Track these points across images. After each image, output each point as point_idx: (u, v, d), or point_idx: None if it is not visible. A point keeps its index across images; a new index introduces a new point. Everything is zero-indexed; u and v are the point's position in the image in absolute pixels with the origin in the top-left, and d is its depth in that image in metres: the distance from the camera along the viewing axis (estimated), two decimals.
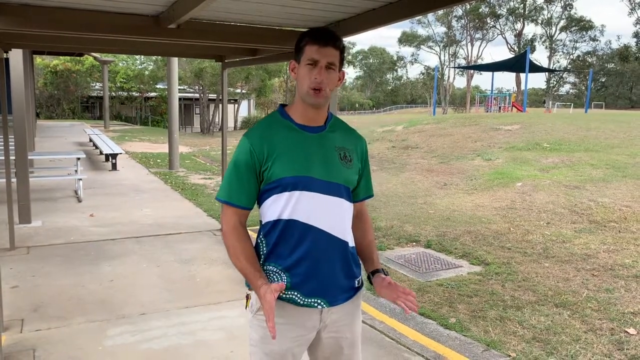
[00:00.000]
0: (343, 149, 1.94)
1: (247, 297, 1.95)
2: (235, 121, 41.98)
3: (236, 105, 41.32)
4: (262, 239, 1.91)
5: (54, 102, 40.02)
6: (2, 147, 6.22)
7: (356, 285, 1.99)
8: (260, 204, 1.92)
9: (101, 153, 14.34)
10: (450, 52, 68.87)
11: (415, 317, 4.64)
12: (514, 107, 35.10)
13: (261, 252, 1.90)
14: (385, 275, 1.96)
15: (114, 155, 12.84)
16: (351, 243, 1.98)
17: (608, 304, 4.85)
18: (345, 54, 1.92)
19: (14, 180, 6.92)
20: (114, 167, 12.81)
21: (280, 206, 1.84)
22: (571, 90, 70.41)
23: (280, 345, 1.88)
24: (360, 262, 2.04)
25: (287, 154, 1.83)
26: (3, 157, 6.24)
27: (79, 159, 9.56)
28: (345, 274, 1.94)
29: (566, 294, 5.10)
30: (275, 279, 1.86)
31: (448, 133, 15.49)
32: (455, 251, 6.48)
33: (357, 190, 2.05)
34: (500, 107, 36.73)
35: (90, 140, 17.54)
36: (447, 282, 5.45)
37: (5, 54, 6.16)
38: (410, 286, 5.35)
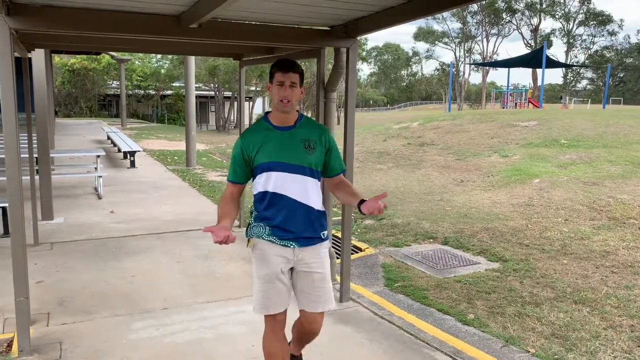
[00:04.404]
0: (308, 140, 2.70)
1: (249, 240, 2.76)
2: (250, 118, 42.10)
3: (251, 103, 41.46)
4: (253, 203, 2.78)
5: (72, 100, 40.44)
6: (26, 145, 6.34)
7: (321, 237, 2.77)
8: (252, 181, 2.75)
9: (119, 151, 14.51)
10: (465, 48, 68.39)
11: (434, 314, 4.66)
12: (530, 103, 34.81)
13: (252, 211, 2.77)
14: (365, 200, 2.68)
15: (133, 153, 12.99)
16: (316, 207, 2.72)
17: (628, 300, 4.84)
18: (304, 76, 2.67)
19: (36, 177, 7.05)
20: (133, 164, 12.96)
21: (262, 182, 2.68)
22: (589, 86, 69.57)
23: (271, 268, 2.67)
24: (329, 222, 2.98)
25: (264, 146, 2.65)
26: (27, 155, 6.35)
27: (98, 156, 9.69)
28: (309, 228, 2.70)
29: (585, 290, 5.09)
30: (260, 229, 2.71)
31: (464, 130, 15.42)
32: (473, 248, 6.49)
33: (330, 167, 2.80)
34: (516, 104, 36.45)
35: (109, 138, 17.73)
36: (465, 279, 5.47)
37: (28, 54, 6.29)
38: (427, 283, 5.38)
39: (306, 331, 2.90)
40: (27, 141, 6.33)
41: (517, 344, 4.07)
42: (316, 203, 2.72)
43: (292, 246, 2.67)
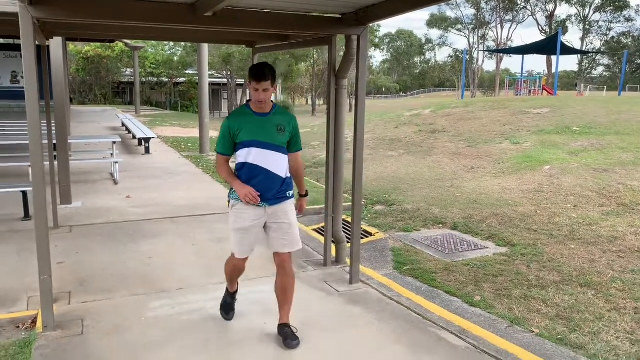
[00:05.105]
0: (280, 124, 3.49)
1: (228, 201, 3.58)
2: None
3: None
4: (235, 172, 3.53)
5: (86, 87, 40.77)
6: (45, 131, 6.51)
7: (287, 196, 3.57)
8: (235, 153, 3.49)
9: (134, 137, 14.71)
10: (479, 34, 67.70)
11: (441, 295, 4.79)
12: (544, 91, 34.53)
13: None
14: (305, 196, 3.82)
15: (147, 140, 13.18)
16: (283, 175, 3.52)
17: (633, 284, 4.92)
18: (275, 77, 3.42)
19: (54, 163, 7.23)
20: (147, 151, 13.16)
21: (243, 155, 3.45)
22: (605, 73, 68.62)
23: (244, 223, 3.52)
24: (293, 184, 3.69)
25: (246, 128, 3.42)
26: (46, 141, 6.52)
27: (114, 142, 9.88)
28: (279, 190, 3.51)
29: (591, 274, 5.18)
30: None
31: (476, 117, 15.42)
32: (482, 233, 6.58)
33: (290, 147, 3.59)
34: (530, 91, 36.18)
35: (123, 124, 17.97)
36: (473, 263, 5.58)
37: (47, 42, 6.44)
38: (436, 266, 5.49)
39: (281, 275, 3.68)
40: (46, 128, 6.51)
41: (522, 324, 4.18)
42: (284, 172, 3.53)
43: (263, 206, 3.49)
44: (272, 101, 3.52)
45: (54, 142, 7.33)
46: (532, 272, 5.27)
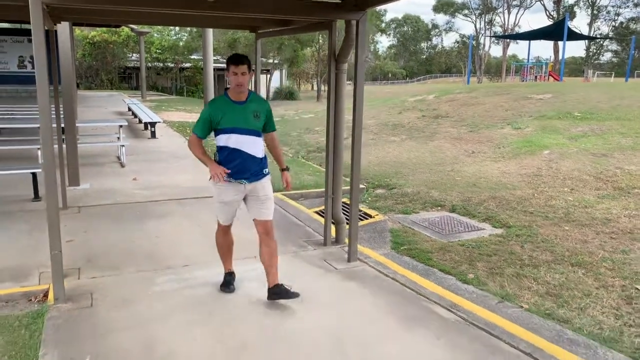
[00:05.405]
0: (256, 111, 3.91)
1: (211, 177, 3.88)
2: (268, 91, 42.27)
3: (268, 76, 41.52)
4: (216, 153, 3.94)
5: (93, 72, 40.86)
6: (54, 115, 6.67)
7: (264, 173, 4.02)
8: (215, 137, 3.91)
9: (140, 122, 14.88)
10: (486, 20, 67.19)
11: (436, 273, 4.96)
12: (550, 77, 34.41)
13: (215, 159, 3.93)
14: (286, 170, 4.28)
15: (153, 124, 13.34)
16: (260, 156, 3.95)
17: (623, 263, 5.08)
18: (251, 65, 3.83)
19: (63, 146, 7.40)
20: (153, 135, 13.33)
21: (223, 139, 3.87)
22: (613, 59, 68.05)
23: (227, 197, 3.99)
24: (270, 161, 4.13)
25: (227, 116, 3.83)
26: (55, 125, 6.69)
27: (121, 126, 10.05)
28: (256, 170, 3.95)
29: (582, 254, 5.33)
30: None
31: (479, 102, 15.48)
32: (479, 215, 6.74)
33: (266, 128, 4.04)
34: (536, 77, 36.05)
35: (129, 109, 18.13)
36: (469, 243, 5.74)
37: (54, 27, 6.58)
38: (432, 246, 5.66)
39: (265, 242, 4.09)
40: (55, 111, 6.66)
41: (512, 300, 4.36)
42: (260, 153, 3.98)
43: (243, 183, 3.94)
44: (248, 89, 3.91)
45: (62, 125, 7.51)
46: (526, 252, 5.43)
